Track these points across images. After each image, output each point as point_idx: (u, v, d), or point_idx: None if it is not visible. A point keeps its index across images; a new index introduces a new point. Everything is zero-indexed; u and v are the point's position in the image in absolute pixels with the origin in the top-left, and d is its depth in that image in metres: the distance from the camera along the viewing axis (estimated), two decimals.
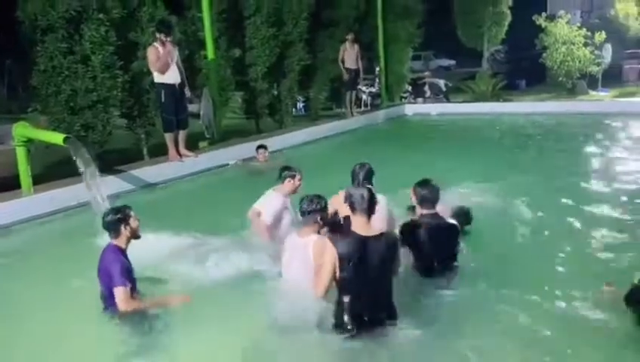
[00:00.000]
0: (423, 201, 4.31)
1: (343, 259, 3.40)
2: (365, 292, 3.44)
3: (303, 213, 3.89)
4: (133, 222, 4.05)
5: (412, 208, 4.74)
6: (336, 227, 4.12)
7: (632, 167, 8.26)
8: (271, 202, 5.11)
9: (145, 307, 3.96)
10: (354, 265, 3.39)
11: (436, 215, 4.34)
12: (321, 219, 3.92)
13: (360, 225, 3.47)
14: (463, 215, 5.18)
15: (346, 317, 3.43)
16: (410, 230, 4.27)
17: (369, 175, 4.80)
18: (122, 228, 3.98)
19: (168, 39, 8.09)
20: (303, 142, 11.45)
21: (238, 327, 3.75)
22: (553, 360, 3.36)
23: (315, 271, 3.71)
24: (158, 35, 8.10)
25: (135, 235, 4.08)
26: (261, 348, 3.63)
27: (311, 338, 3.54)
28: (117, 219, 3.98)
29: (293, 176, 5.16)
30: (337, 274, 3.44)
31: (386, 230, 3.88)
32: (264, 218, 5.03)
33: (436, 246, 4.23)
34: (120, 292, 3.80)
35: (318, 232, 3.97)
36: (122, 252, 3.98)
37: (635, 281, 3.47)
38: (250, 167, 8.96)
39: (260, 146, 9.03)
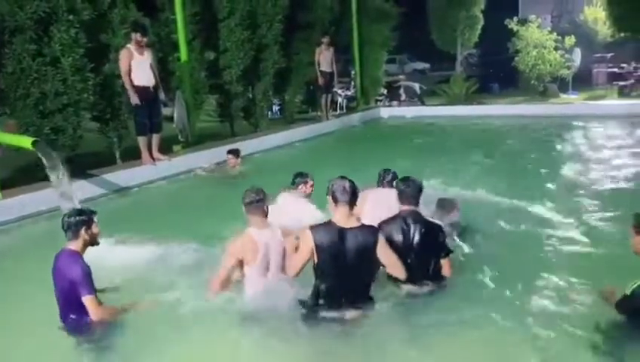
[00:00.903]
0: (402, 196, 4.16)
1: (320, 248, 3.50)
2: (341, 282, 3.55)
3: (250, 203, 3.86)
4: (95, 228, 3.87)
5: None
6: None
7: (606, 165, 8.44)
8: (294, 204, 5.17)
9: (114, 313, 3.85)
10: (331, 254, 3.49)
11: (416, 212, 4.15)
12: (266, 208, 3.96)
13: (341, 216, 3.57)
14: (448, 204, 5.11)
15: (321, 301, 3.58)
16: (385, 226, 4.08)
17: (394, 179, 5.15)
18: (83, 231, 3.79)
19: (144, 40, 8.00)
20: (278, 145, 11.42)
21: (211, 331, 3.71)
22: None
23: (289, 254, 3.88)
24: (133, 36, 7.98)
25: (94, 242, 3.90)
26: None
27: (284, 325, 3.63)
28: (80, 220, 3.80)
29: (305, 182, 5.38)
30: (315, 261, 3.56)
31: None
32: (285, 221, 4.73)
33: (413, 247, 4.02)
34: (90, 302, 3.65)
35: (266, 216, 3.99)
36: (79, 256, 3.78)
37: (627, 292, 3.43)
38: (221, 172, 8.84)
39: (230, 151, 8.88)
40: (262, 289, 3.83)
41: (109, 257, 4.78)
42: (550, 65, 17.43)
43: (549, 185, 7.33)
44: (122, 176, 8.11)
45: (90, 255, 3.92)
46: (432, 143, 11.84)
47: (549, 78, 17.86)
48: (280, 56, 12.38)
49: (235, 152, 8.82)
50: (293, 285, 3.82)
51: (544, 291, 4.15)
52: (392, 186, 5.14)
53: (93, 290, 3.69)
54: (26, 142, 6.25)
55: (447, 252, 4.17)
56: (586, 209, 6.24)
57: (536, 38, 17.45)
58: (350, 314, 3.59)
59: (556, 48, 17.38)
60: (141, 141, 8.43)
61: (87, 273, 3.70)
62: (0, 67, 7.64)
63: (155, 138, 8.55)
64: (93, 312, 3.67)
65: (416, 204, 4.17)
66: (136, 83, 7.97)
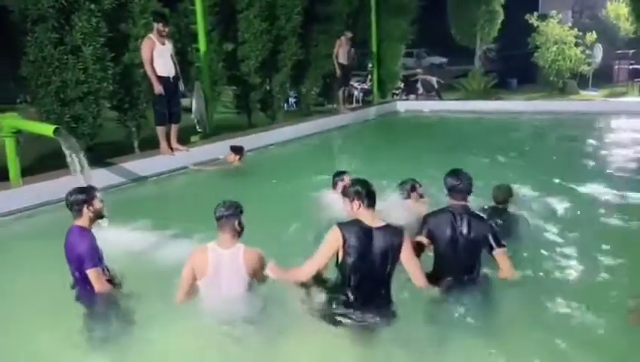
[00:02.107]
0: (453, 191, 4.01)
1: (348, 245, 3.51)
2: (366, 281, 3.55)
3: (219, 218, 3.61)
4: (96, 203, 4.01)
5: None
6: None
7: (628, 164, 8.31)
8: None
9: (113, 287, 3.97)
10: (359, 252, 3.50)
11: (466, 207, 4.01)
12: (238, 224, 3.65)
13: (368, 217, 3.58)
14: (505, 190, 4.94)
15: (343, 298, 3.57)
16: (433, 219, 4.02)
17: (413, 189, 5.28)
18: (85, 208, 3.94)
19: (166, 30, 8.05)
20: (294, 137, 11.41)
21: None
22: None
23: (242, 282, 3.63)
24: (155, 25, 8.04)
25: (99, 215, 4.06)
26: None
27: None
28: (81, 199, 3.95)
29: (342, 180, 5.54)
30: (340, 258, 3.56)
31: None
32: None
33: (461, 241, 3.90)
34: (94, 274, 3.79)
35: (239, 235, 3.70)
36: (88, 232, 3.94)
37: None
38: (219, 166, 8.68)
39: (233, 148, 8.57)
40: (211, 305, 3.68)
41: (121, 244, 4.84)
42: (570, 62, 17.21)
43: (569, 183, 7.24)
44: (140, 165, 8.16)
45: (103, 241, 4.03)
46: (450, 137, 11.76)
47: (568, 75, 17.64)
48: (298, 48, 12.36)
49: (236, 150, 8.54)
50: (246, 303, 3.65)
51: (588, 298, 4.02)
52: (409, 196, 5.31)
53: (97, 264, 3.82)
54: (47, 129, 6.32)
55: (499, 246, 3.92)
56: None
57: (556, 33, 17.24)
58: (372, 313, 3.54)
59: (577, 44, 17.14)
60: (160, 131, 8.48)
61: (93, 247, 3.85)
62: (22, 55, 7.72)
63: (174, 128, 8.60)
64: (96, 284, 3.80)
65: (467, 199, 4.03)
66: (158, 73, 8.04)
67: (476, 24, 20.62)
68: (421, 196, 5.38)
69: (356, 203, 3.61)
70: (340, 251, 3.55)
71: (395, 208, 5.33)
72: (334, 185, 5.64)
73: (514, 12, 19.34)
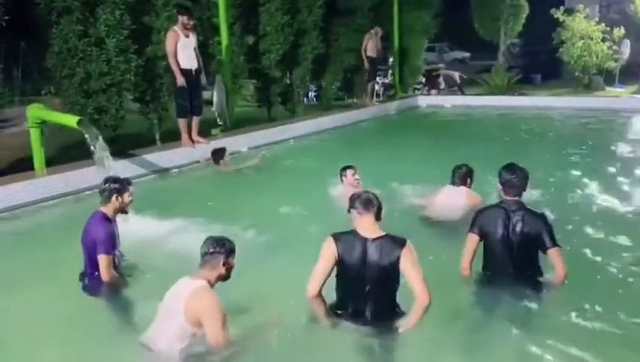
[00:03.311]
0: (507, 186, 3.88)
1: (343, 258, 3.30)
2: (364, 295, 3.31)
3: (203, 255, 3.20)
4: (127, 197, 4.15)
5: None
6: None
7: None
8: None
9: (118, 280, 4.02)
10: (354, 265, 3.28)
11: (520, 203, 3.88)
12: (224, 264, 3.19)
13: (366, 226, 3.33)
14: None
15: (341, 312, 3.38)
16: (484, 215, 3.90)
17: (467, 174, 5.46)
18: (114, 197, 4.07)
19: (191, 22, 8.09)
20: (313, 131, 11.40)
21: None
22: None
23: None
24: (180, 18, 8.10)
25: (123, 209, 4.17)
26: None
27: None
28: (114, 188, 4.09)
29: (344, 175, 5.93)
30: (337, 272, 3.36)
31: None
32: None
33: (514, 239, 3.78)
34: (104, 261, 3.87)
35: (225, 278, 3.24)
36: (110, 220, 4.05)
37: None
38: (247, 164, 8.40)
39: (218, 151, 8.18)
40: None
41: (140, 234, 4.90)
42: (596, 57, 16.86)
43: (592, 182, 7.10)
44: (162, 157, 8.23)
45: (121, 229, 4.12)
46: (472, 133, 11.63)
47: (594, 71, 17.29)
48: (319, 41, 12.31)
49: (216, 154, 8.12)
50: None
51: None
52: (464, 183, 5.44)
53: (110, 251, 3.89)
54: (71, 120, 6.40)
55: (554, 245, 3.77)
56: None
57: (582, 28, 16.89)
58: (372, 327, 3.33)
59: (604, 40, 16.78)
60: (182, 123, 8.53)
61: (110, 234, 3.94)
62: (47, 47, 7.82)
63: (195, 121, 8.65)
64: (104, 271, 3.88)
65: (521, 194, 3.91)
66: (181, 65, 8.09)
67: (500, 18, 20.26)
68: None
69: (353, 212, 3.38)
70: (336, 263, 3.33)
71: (451, 195, 5.45)
72: (341, 179, 5.99)
73: (539, 6, 18.99)
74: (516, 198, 3.87)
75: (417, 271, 3.25)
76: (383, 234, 3.31)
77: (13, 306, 4.11)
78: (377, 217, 3.36)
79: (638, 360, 3.39)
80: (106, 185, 4.11)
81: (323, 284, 3.35)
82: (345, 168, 6.02)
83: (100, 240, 3.88)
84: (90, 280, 3.99)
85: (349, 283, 3.34)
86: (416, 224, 5.42)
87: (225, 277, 3.21)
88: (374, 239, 3.28)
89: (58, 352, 3.49)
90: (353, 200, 3.41)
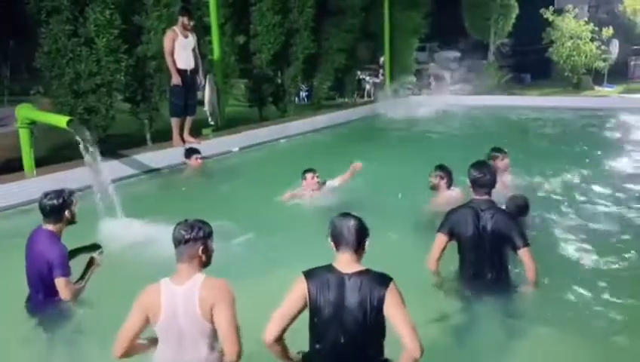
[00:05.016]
0: (476, 185, 3.83)
1: (315, 298, 2.74)
2: (342, 343, 2.73)
3: (178, 243, 2.75)
4: (75, 208, 3.83)
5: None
6: None
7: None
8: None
9: (81, 288, 3.85)
10: (329, 307, 2.72)
11: (490, 201, 3.82)
12: (203, 251, 2.78)
13: (343, 261, 2.79)
14: (520, 206, 4.64)
15: None
16: (454, 215, 3.82)
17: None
18: (66, 213, 3.75)
19: (191, 23, 8.12)
20: (305, 131, 11.41)
21: None
22: None
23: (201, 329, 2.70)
24: (180, 19, 8.13)
25: (73, 221, 3.85)
26: None
27: None
28: (63, 203, 3.74)
29: (304, 178, 6.12)
30: (309, 318, 2.78)
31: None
32: None
33: (484, 239, 3.73)
34: (63, 283, 3.64)
35: (203, 266, 2.81)
36: (59, 238, 3.75)
37: None
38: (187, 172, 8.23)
39: (194, 151, 8.18)
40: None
41: (130, 236, 4.94)
42: (585, 57, 17.01)
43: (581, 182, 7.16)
44: (153, 157, 8.20)
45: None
46: (463, 133, 11.68)
47: (583, 70, 17.44)
48: (310, 41, 12.32)
49: (189, 152, 8.11)
50: None
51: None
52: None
53: (67, 272, 3.69)
54: (61, 120, 6.36)
55: (524, 244, 3.74)
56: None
57: (572, 28, 17.04)
58: None
59: (592, 39, 16.93)
60: (174, 122, 8.53)
61: (65, 255, 3.70)
62: (37, 46, 7.77)
63: (188, 121, 8.65)
64: (63, 293, 3.67)
65: (490, 193, 3.85)
66: (177, 65, 8.09)
67: (490, 18, 20.39)
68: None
69: (332, 244, 2.84)
70: (306, 305, 2.77)
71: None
72: (302, 182, 6.17)
73: (529, 6, 19.10)
74: (486, 197, 3.83)
75: (405, 316, 2.66)
76: (363, 269, 2.78)
77: None
78: (358, 250, 2.80)
79: (619, 353, 3.43)
80: (53, 202, 3.70)
81: (285, 329, 2.74)
82: (306, 171, 6.16)
83: (58, 263, 3.61)
84: (44, 301, 3.75)
85: (323, 330, 2.75)
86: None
87: (205, 265, 2.80)
88: (353, 274, 2.75)
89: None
90: (331, 225, 2.85)
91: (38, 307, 3.80)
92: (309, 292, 2.74)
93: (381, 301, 2.68)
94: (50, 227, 3.75)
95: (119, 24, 8.14)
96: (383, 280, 2.74)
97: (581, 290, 4.04)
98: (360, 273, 2.75)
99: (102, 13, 7.90)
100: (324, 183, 6.17)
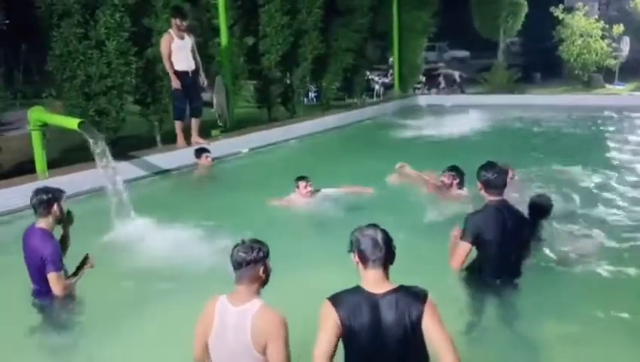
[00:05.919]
0: (489, 186, 3.78)
1: (348, 324, 2.52)
2: None
3: (239, 265, 2.68)
4: (63, 204, 3.98)
5: None
6: None
7: None
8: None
9: (73, 283, 3.99)
10: (363, 332, 2.52)
11: (506, 201, 3.83)
12: (264, 271, 2.73)
13: (372, 280, 2.59)
14: (542, 206, 4.62)
15: None
16: (477, 219, 3.77)
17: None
18: (54, 207, 3.89)
19: (184, 24, 8.10)
20: (314, 131, 11.42)
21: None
22: None
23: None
24: (173, 21, 8.13)
25: (62, 218, 3.99)
26: None
27: None
28: (51, 197, 3.88)
29: (297, 186, 6.06)
30: (344, 347, 2.57)
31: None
32: None
33: (506, 239, 3.74)
34: (55, 278, 3.78)
35: (262, 285, 2.76)
36: (52, 235, 3.91)
37: None
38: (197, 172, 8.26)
39: (203, 150, 8.24)
40: None
41: (141, 236, 4.99)
42: (596, 55, 16.88)
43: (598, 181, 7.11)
44: (163, 158, 8.26)
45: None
46: (473, 133, 11.63)
47: (594, 68, 17.32)
48: (319, 42, 12.34)
49: (200, 151, 8.17)
50: None
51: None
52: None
53: (60, 267, 3.83)
54: (72, 123, 6.43)
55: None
56: None
57: (582, 26, 16.91)
58: None
59: (603, 37, 16.80)
60: (177, 125, 8.59)
61: (57, 251, 3.84)
62: (48, 49, 7.86)
63: (195, 122, 8.69)
64: (56, 288, 3.81)
65: (502, 193, 3.82)
66: (176, 67, 8.13)
67: (500, 17, 20.30)
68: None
69: (357, 260, 2.64)
70: (339, 333, 2.54)
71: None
72: (295, 189, 6.12)
73: (539, 4, 19.01)
74: (500, 198, 3.81)
75: (443, 329, 2.51)
76: (396, 286, 2.59)
77: None
78: (387, 266, 2.62)
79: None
80: (39, 197, 3.88)
81: (332, 359, 2.52)
82: (298, 179, 6.11)
83: (50, 259, 3.75)
84: (44, 296, 3.92)
85: (364, 357, 2.57)
86: None
87: (264, 284, 2.77)
88: (385, 294, 2.55)
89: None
90: (355, 239, 2.64)
91: (42, 298, 3.96)
92: (340, 319, 2.52)
93: (420, 316, 2.51)
94: (42, 224, 3.90)
95: (129, 27, 8.21)
96: (420, 294, 2.57)
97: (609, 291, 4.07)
98: (393, 291, 2.56)
99: (112, 16, 7.97)
100: (317, 191, 6.16)
